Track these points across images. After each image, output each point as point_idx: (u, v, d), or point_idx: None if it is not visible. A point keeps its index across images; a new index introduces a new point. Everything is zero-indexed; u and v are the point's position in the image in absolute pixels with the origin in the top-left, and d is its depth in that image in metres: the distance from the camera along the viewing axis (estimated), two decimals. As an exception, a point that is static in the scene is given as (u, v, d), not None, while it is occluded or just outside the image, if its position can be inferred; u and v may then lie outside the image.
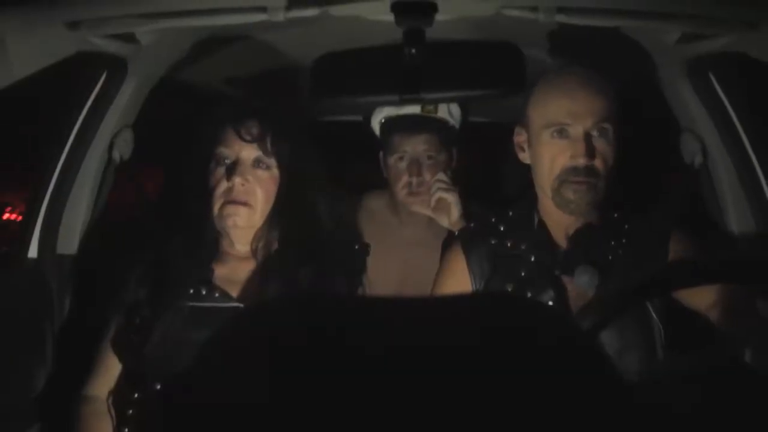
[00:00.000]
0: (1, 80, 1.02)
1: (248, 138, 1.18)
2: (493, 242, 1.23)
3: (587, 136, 1.12)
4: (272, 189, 1.20)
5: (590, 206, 1.15)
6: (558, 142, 1.14)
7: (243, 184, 1.17)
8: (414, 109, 1.61)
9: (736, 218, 1.39)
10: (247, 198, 1.18)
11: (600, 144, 1.13)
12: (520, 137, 1.24)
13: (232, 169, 1.17)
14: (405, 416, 0.31)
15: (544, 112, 1.16)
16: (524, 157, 1.24)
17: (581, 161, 1.12)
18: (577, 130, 1.13)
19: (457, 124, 1.67)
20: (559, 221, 1.19)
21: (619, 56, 1.39)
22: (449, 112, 1.64)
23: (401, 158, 1.61)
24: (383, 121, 1.67)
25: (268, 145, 1.19)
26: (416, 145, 1.60)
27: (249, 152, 1.19)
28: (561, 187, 1.15)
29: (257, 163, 1.19)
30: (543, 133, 1.16)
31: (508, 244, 1.22)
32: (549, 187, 1.17)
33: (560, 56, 1.45)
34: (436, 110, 1.62)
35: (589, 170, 1.13)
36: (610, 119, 1.14)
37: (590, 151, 1.12)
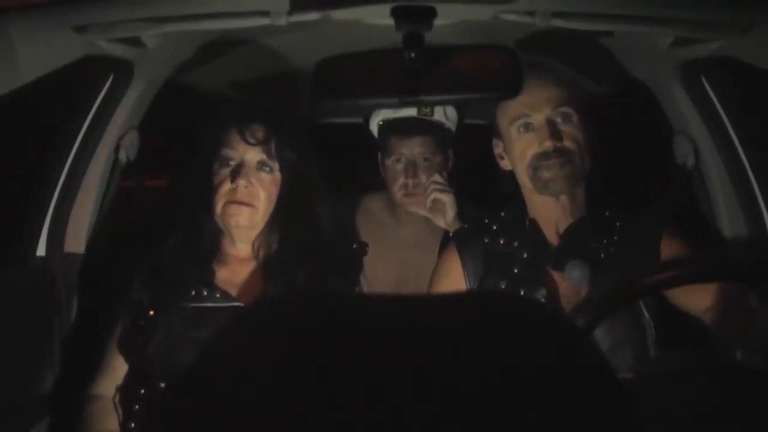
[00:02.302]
0: (11, 83, 1.02)
1: (253, 141, 1.17)
2: (486, 241, 1.23)
3: (550, 122, 1.15)
4: (274, 191, 1.20)
5: (569, 182, 1.15)
6: (525, 136, 1.17)
7: (246, 186, 1.17)
8: (410, 112, 1.61)
9: (728, 218, 1.39)
10: (251, 199, 1.18)
11: (566, 128, 1.15)
12: (498, 148, 1.27)
13: (236, 172, 1.17)
14: (405, 413, 0.31)
15: (506, 112, 1.19)
16: (505, 164, 1.26)
17: (548, 144, 1.14)
18: (538, 119, 1.15)
19: (453, 127, 1.67)
20: (549, 219, 1.20)
21: (614, 60, 1.38)
22: (445, 115, 1.64)
23: (398, 160, 1.61)
24: (381, 123, 1.67)
25: (273, 149, 1.18)
26: (412, 148, 1.60)
27: (253, 155, 1.18)
28: (535, 172, 1.16)
29: (261, 165, 1.19)
30: (511, 131, 1.19)
31: (501, 242, 1.22)
32: (527, 178, 1.18)
33: (556, 60, 1.45)
34: (431, 113, 1.62)
35: (559, 151, 1.14)
36: (572, 105, 1.16)
37: (556, 134, 1.14)
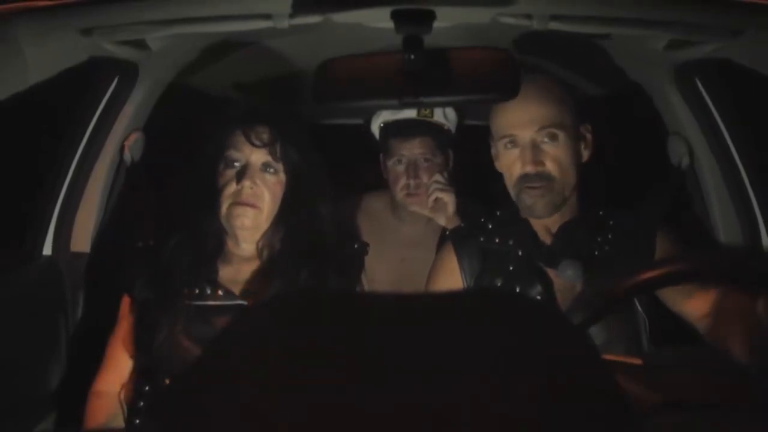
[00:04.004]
0: (18, 85, 1.02)
1: (258, 143, 1.17)
2: (482, 239, 1.23)
3: (533, 144, 1.13)
4: (279, 192, 1.20)
5: (549, 208, 1.15)
6: (511, 152, 1.16)
7: (251, 188, 1.17)
8: (410, 114, 1.61)
9: (721, 217, 1.40)
10: (255, 201, 1.18)
11: (551, 149, 1.13)
12: (493, 149, 1.26)
13: (242, 173, 1.17)
14: (406, 408, 0.31)
15: (497, 124, 1.19)
16: (498, 166, 1.25)
17: (529, 168, 1.13)
18: (523, 138, 1.14)
19: (452, 127, 1.67)
20: (539, 221, 1.20)
21: (610, 62, 1.39)
22: (445, 116, 1.64)
23: (399, 161, 1.61)
24: (382, 125, 1.67)
25: (277, 151, 1.18)
26: (413, 149, 1.60)
27: (258, 157, 1.18)
28: (520, 194, 1.16)
29: (266, 167, 1.19)
30: (500, 144, 1.18)
31: (497, 241, 1.22)
32: (513, 195, 1.19)
33: (553, 62, 1.45)
34: (431, 114, 1.62)
35: (540, 176, 1.13)
36: (560, 124, 1.13)
37: (537, 158, 1.13)
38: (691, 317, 1.10)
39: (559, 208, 1.17)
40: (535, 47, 1.34)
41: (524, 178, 1.14)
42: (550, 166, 1.13)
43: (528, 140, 1.13)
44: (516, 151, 1.15)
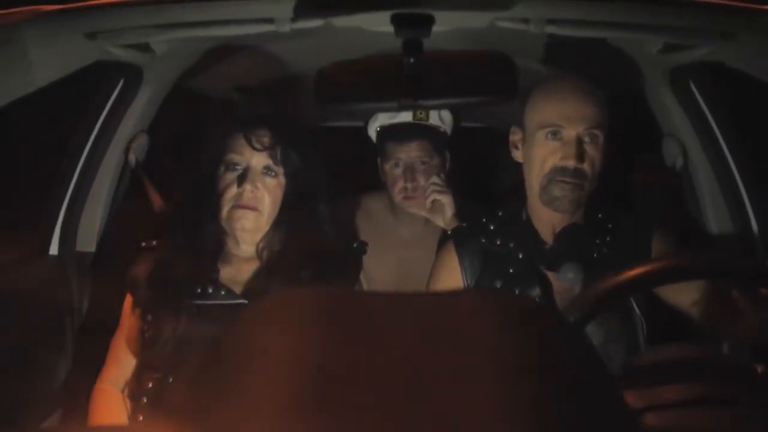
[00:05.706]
0: (25, 87, 1.02)
1: (259, 147, 1.17)
2: (483, 240, 1.23)
3: (579, 140, 1.13)
4: (279, 195, 1.20)
5: (574, 205, 1.15)
6: (551, 143, 1.15)
7: (252, 191, 1.17)
8: (406, 118, 1.61)
9: (715, 218, 1.40)
10: (256, 204, 1.18)
11: (590, 148, 1.14)
12: (515, 136, 1.24)
13: (242, 177, 1.17)
14: (405, 407, 0.30)
15: (540, 114, 1.17)
16: (517, 155, 1.24)
17: (571, 163, 1.12)
18: (569, 133, 1.13)
19: (448, 130, 1.67)
20: (546, 220, 1.19)
21: (606, 65, 1.38)
22: (440, 119, 1.64)
23: (396, 164, 1.61)
24: (378, 129, 1.67)
25: (278, 154, 1.18)
26: (409, 152, 1.60)
27: (259, 160, 1.18)
28: (549, 184, 1.15)
29: (266, 170, 1.19)
30: (538, 133, 1.16)
31: (498, 242, 1.22)
32: (538, 185, 1.17)
33: (550, 65, 1.45)
34: (427, 117, 1.62)
35: (578, 172, 1.13)
36: (601, 126, 1.14)
37: (580, 154, 1.12)
38: (683, 305, 1.11)
39: (581, 207, 1.17)
40: (533, 50, 1.34)
41: (560, 170, 1.13)
42: (587, 165, 1.13)
43: (574, 135, 1.13)
44: (556, 143, 1.14)
